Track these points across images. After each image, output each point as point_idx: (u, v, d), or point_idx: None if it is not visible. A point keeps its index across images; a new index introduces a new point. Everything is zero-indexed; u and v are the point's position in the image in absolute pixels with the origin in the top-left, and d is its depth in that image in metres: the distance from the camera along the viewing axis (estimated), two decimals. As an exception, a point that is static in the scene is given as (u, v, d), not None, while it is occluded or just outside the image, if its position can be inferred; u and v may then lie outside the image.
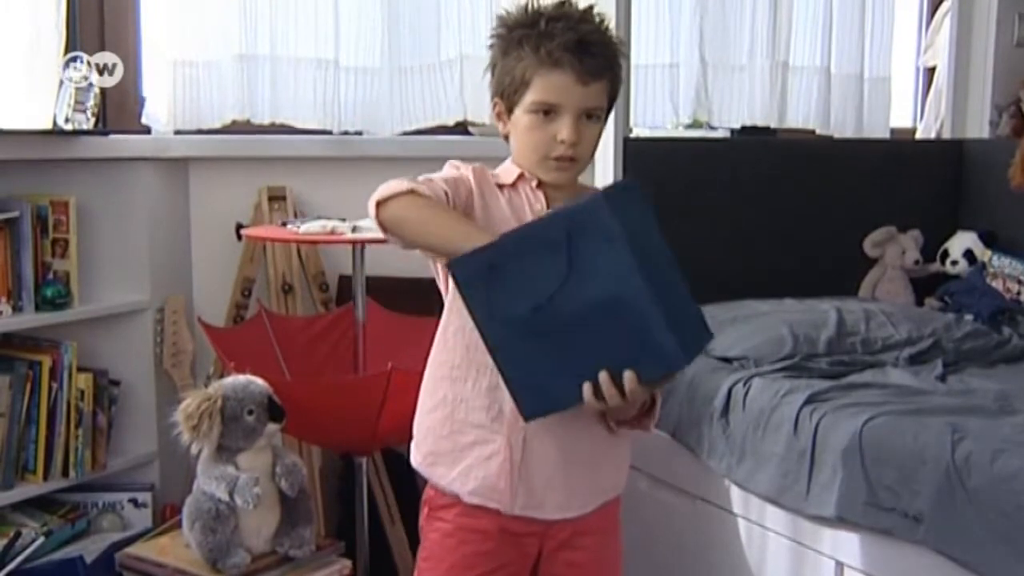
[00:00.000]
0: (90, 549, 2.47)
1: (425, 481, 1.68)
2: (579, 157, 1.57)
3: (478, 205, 1.57)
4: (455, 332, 1.60)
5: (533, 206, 1.58)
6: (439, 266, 1.59)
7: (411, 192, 1.47)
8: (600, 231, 1.37)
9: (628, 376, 1.40)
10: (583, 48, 1.52)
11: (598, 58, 1.54)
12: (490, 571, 1.62)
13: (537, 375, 1.44)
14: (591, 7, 1.59)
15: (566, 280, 1.38)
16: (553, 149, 1.55)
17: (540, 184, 1.60)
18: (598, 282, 1.38)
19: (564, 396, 1.44)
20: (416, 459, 1.67)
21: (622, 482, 1.71)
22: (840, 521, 1.90)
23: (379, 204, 1.48)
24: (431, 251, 1.53)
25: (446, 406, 1.61)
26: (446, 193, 1.51)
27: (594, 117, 1.56)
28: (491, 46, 1.62)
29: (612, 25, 1.61)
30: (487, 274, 1.40)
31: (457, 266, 1.42)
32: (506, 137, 1.63)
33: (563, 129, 1.54)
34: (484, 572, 1.62)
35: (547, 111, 1.54)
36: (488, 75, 1.63)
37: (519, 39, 1.55)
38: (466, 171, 1.60)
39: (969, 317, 2.60)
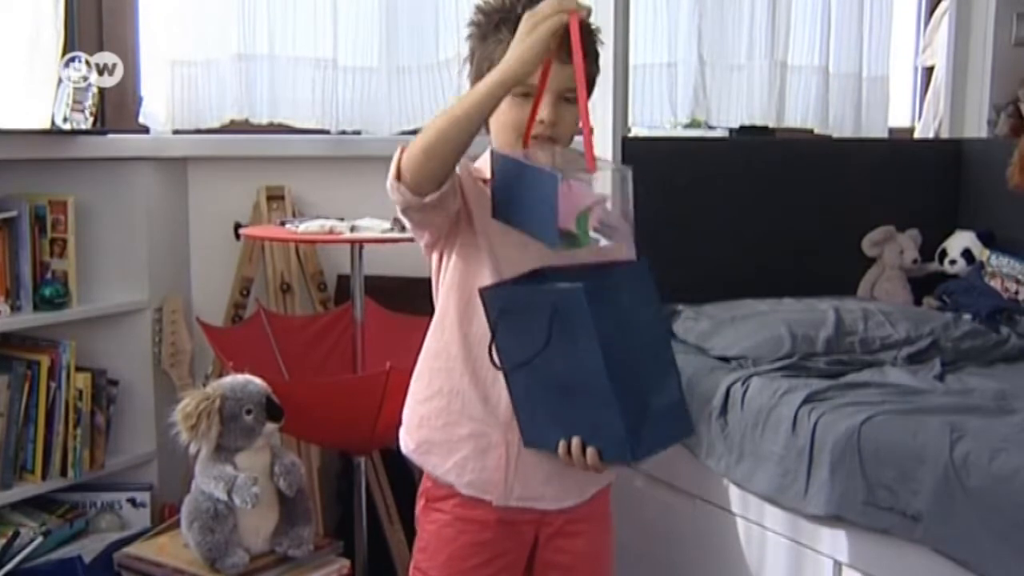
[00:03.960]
0: (89, 549, 2.47)
1: (422, 474, 1.68)
2: (557, 138, 1.55)
3: (469, 204, 1.57)
4: (452, 323, 1.59)
5: None
6: (433, 256, 1.61)
7: (403, 148, 1.47)
8: (575, 322, 1.42)
9: (591, 452, 1.47)
10: (582, 25, 1.49)
11: (586, 34, 1.52)
12: (488, 560, 1.63)
13: (535, 413, 1.53)
14: None
15: (542, 351, 1.45)
16: (531, 129, 1.53)
17: None
18: (569, 364, 1.45)
19: (549, 442, 1.52)
20: (408, 446, 1.67)
21: (613, 471, 1.71)
22: (838, 520, 1.90)
23: (398, 177, 1.47)
24: (469, 131, 1.42)
25: (442, 397, 1.61)
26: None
27: (573, 99, 1.54)
28: (469, 36, 1.61)
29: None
30: (499, 314, 1.50)
31: (482, 295, 1.52)
32: (486, 126, 1.59)
33: (542, 109, 1.52)
34: (482, 561, 1.63)
35: (526, 92, 1.51)
36: (467, 67, 1.62)
37: (497, 23, 1.54)
38: (461, 172, 1.58)
39: (967, 316, 2.60)
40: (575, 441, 1.48)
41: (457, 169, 1.54)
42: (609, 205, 1.46)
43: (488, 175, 1.57)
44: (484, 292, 1.52)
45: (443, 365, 1.61)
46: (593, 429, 1.47)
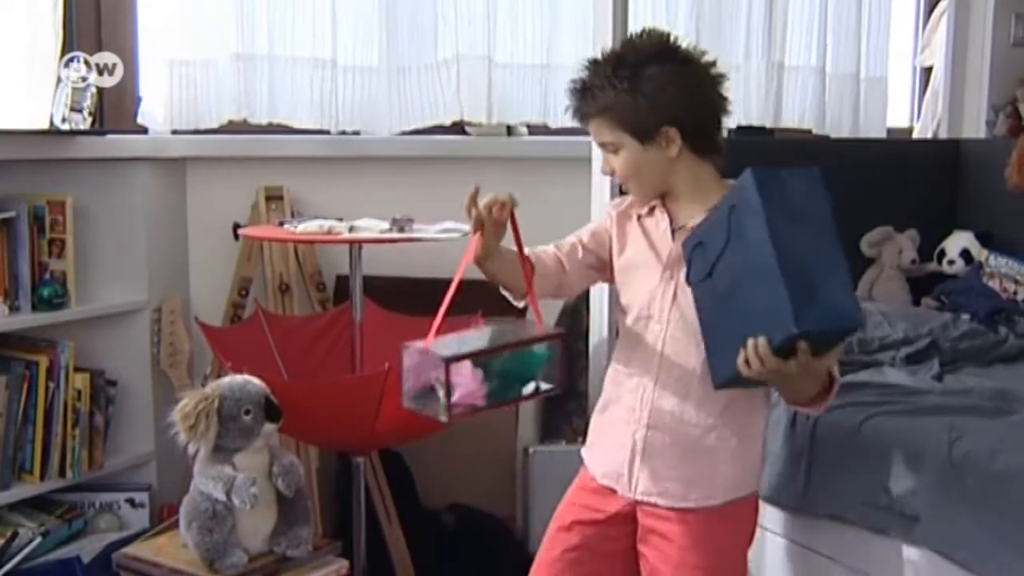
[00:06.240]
0: (87, 549, 2.47)
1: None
2: (622, 181, 1.75)
3: (616, 243, 1.79)
4: (622, 335, 1.80)
5: (659, 225, 1.75)
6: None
7: None
8: (747, 204, 1.51)
9: (760, 342, 1.49)
10: (572, 94, 1.74)
11: (578, 102, 1.73)
12: (586, 521, 1.80)
13: (722, 344, 1.57)
14: (596, 56, 1.75)
15: (724, 249, 1.55)
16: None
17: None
18: (745, 250, 1.51)
19: (733, 365, 1.54)
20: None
21: (738, 483, 1.74)
22: (838, 520, 1.90)
23: None
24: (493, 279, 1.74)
25: (605, 407, 1.82)
26: (577, 243, 1.81)
27: (608, 148, 1.72)
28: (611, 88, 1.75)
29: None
30: (695, 248, 1.62)
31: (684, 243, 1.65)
32: None
33: (603, 164, 1.77)
34: (579, 520, 1.80)
35: (602, 143, 1.75)
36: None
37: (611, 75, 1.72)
38: (612, 212, 1.82)
39: (966, 317, 2.60)
40: (749, 343, 1.50)
41: (613, 214, 1.81)
42: None
43: (646, 209, 1.77)
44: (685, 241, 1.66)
45: (612, 377, 1.82)
46: (762, 317, 1.48)
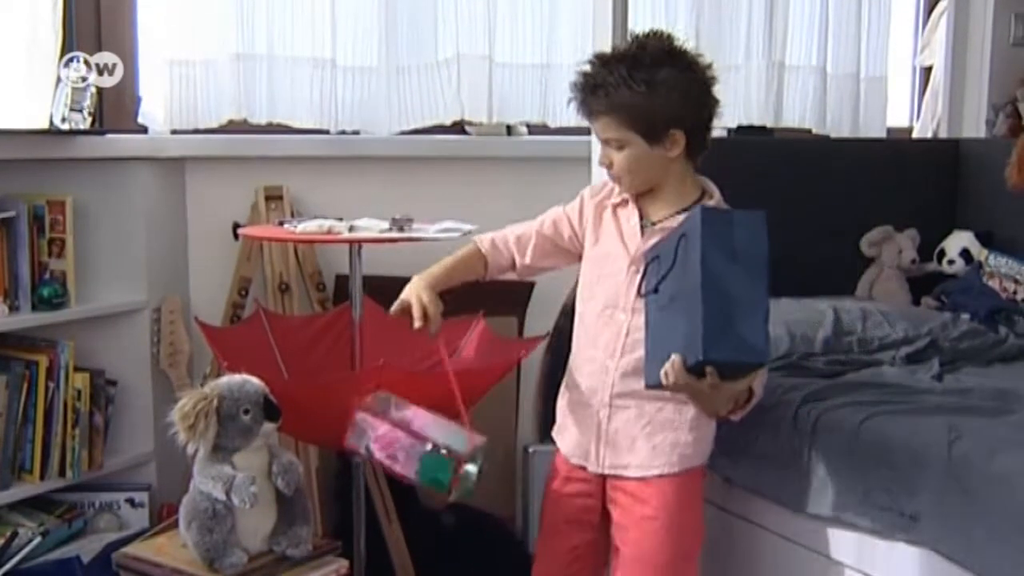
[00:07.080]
0: (87, 549, 2.47)
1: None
2: (618, 175, 1.82)
3: (591, 233, 1.90)
4: (583, 323, 1.92)
5: (630, 220, 1.86)
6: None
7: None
8: (693, 235, 1.63)
9: (675, 359, 1.61)
10: (581, 89, 1.80)
11: (587, 97, 1.79)
12: (571, 492, 1.95)
13: (656, 352, 1.70)
14: (605, 52, 1.82)
15: (670, 271, 1.68)
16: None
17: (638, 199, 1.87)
18: (684, 275, 1.64)
19: (659, 375, 1.67)
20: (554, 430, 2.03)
21: (693, 453, 1.88)
22: (838, 520, 1.90)
23: None
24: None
25: (568, 391, 1.96)
26: (533, 234, 1.96)
27: (612, 145, 1.79)
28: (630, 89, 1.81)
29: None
30: (651, 262, 1.76)
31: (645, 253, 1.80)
32: None
33: (602, 156, 1.83)
34: (565, 492, 1.96)
35: (605, 140, 1.82)
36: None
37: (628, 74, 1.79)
38: (588, 202, 1.92)
39: (965, 316, 2.61)
40: (670, 358, 1.62)
41: (587, 205, 1.92)
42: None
43: (620, 199, 1.87)
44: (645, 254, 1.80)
45: (571, 365, 1.95)
46: (683, 341, 1.61)
